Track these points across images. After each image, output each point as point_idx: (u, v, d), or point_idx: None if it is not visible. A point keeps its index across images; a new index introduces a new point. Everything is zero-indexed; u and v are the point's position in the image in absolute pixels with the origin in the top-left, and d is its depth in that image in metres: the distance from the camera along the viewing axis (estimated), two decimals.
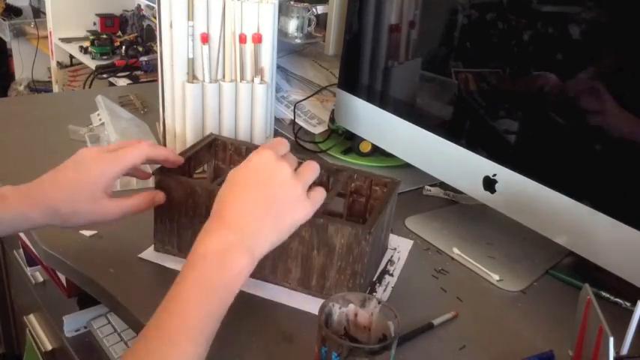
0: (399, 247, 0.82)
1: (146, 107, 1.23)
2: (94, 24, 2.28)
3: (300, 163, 0.63)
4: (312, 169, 0.62)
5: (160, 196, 0.69)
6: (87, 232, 0.77)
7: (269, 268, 0.70)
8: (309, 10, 1.12)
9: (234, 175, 0.59)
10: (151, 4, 2.01)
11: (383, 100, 0.93)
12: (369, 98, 0.95)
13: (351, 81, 0.98)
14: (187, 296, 0.51)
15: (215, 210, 0.57)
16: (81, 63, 2.19)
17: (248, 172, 0.59)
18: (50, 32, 2.34)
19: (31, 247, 0.80)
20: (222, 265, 0.53)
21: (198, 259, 0.53)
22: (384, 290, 0.72)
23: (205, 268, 0.52)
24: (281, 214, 0.58)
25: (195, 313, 0.50)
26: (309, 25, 1.13)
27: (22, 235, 0.84)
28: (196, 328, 0.50)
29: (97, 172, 0.64)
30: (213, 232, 0.55)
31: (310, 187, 0.61)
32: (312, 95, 1.17)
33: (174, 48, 0.88)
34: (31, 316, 1.20)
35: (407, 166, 0.94)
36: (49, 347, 1.04)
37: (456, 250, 0.81)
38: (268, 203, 0.57)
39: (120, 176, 0.67)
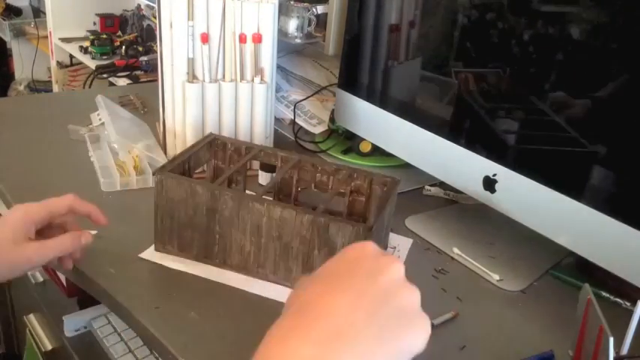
0: (399, 246, 0.82)
1: (146, 107, 1.23)
2: (94, 24, 2.27)
3: None
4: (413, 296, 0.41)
5: (87, 236, 0.66)
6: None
7: (270, 267, 0.70)
8: (309, 10, 1.12)
9: (325, 266, 0.41)
10: (151, 3, 2.01)
11: (383, 100, 0.93)
12: (369, 98, 0.95)
13: (351, 81, 0.98)
14: None
15: (291, 306, 0.38)
16: (81, 63, 2.19)
17: (346, 261, 0.41)
18: (50, 32, 2.34)
19: None
20: None
21: None
22: None
23: None
24: (393, 325, 0.37)
25: None
26: (309, 24, 1.13)
27: None
28: None
29: (17, 215, 0.62)
30: (286, 342, 0.35)
31: None
32: (312, 95, 1.17)
33: (174, 48, 0.88)
34: (31, 316, 1.20)
35: (407, 166, 0.94)
36: (49, 347, 1.04)
37: (456, 250, 0.81)
38: (378, 303, 0.37)
39: (42, 222, 0.65)
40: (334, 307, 0.36)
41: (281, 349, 0.35)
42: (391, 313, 0.38)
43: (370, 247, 0.42)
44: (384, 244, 0.78)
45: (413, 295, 0.40)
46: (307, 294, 0.38)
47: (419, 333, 0.39)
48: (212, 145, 0.82)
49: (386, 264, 0.40)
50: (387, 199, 0.71)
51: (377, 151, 1.06)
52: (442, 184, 0.97)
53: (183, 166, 0.74)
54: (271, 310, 0.66)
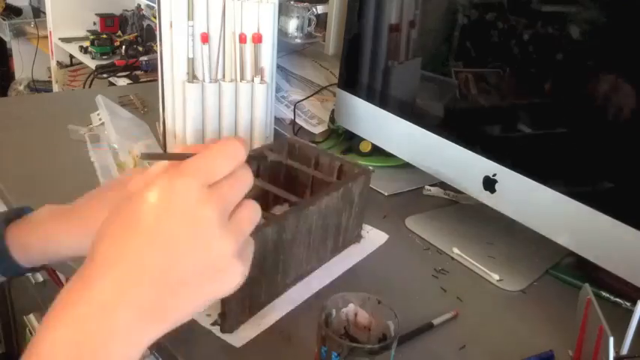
0: (369, 237, 0.82)
1: (146, 107, 1.23)
2: (94, 24, 2.28)
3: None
4: (251, 218, 0.40)
5: None
6: None
7: (315, 258, 0.72)
8: (309, 10, 1.12)
9: (133, 204, 0.36)
10: (151, 3, 2.01)
11: (383, 100, 0.93)
12: (369, 98, 0.95)
13: (351, 81, 0.97)
14: None
15: (87, 261, 0.36)
16: (81, 63, 2.19)
17: (150, 208, 0.36)
18: (50, 32, 2.34)
19: None
20: (103, 323, 0.34)
21: (55, 316, 0.35)
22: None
23: (68, 328, 0.34)
24: (191, 291, 0.36)
25: None
26: (309, 24, 1.13)
27: None
28: None
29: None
30: (68, 311, 0.34)
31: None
32: (312, 95, 1.17)
33: (174, 48, 0.88)
34: (31, 316, 1.20)
35: (407, 166, 0.94)
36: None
37: (456, 250, 0.81)
38: (167, 277, 0.35)
39: None
40: (133, 271, 0.35)
41: (72, 311, 0.34)
42: (194, 275, 0.36)
43: (184, 191, 0.36)
44: (347, 233, 0.79)
45: (224, 248, 0.37)
46: (106, 242, 0.36)
47: (229, 278, 0.37)
48: None
49: (196, 219, 0.35)
50: (345, 183, 0.72)
51: (377, 151, 1.06)
52: (442, 184, 0.97)
53: None
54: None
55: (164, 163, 0.39)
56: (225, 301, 0.60)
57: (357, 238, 0.81)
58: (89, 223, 0.52)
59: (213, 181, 0.37)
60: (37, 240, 0.54)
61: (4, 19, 2.81)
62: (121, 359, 0.34)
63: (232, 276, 0.38)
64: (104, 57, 2.07)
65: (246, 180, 0.39)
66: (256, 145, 0.96)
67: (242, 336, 0.62)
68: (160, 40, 0.90)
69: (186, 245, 0.36)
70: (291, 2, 1.11)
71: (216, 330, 0.62)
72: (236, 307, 0.61)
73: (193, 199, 0.36)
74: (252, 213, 0.40)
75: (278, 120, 1.18)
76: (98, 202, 0.54)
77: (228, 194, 0.38)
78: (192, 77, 0.90)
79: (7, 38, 2.83)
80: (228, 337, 0.61)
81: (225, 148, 0.38)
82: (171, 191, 0.36)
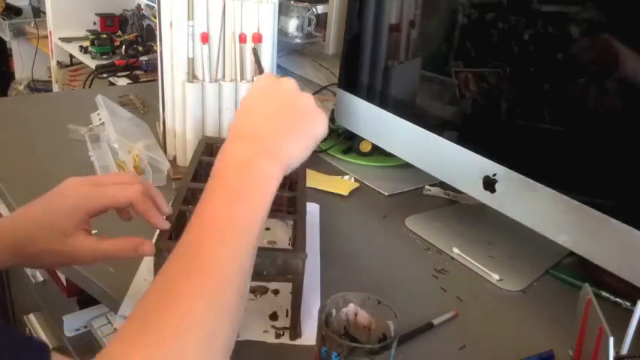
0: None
1: (146, 107, 1.23)
2: (94, 23, 2.27)
3: None
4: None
5: (148, 248, 0.57)
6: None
7: None
8: (309, 10, 1.12)
9: (244, 99, 0.57)
10: (151, 3, 2.01)
11: (383, 100, 0.93)
12: (369, 98, 0.94)
13: (351, 80, 0.97)
14: (215, 205, 0.47)
15: (230, 130, 0.54)
16: (81, 62, 2.18)
17: (257, 91, 0.57)
18: (50, 32, 2.34)
19: None
20: (247, 173, 0.50)
21: (219, 172, 0.50)
22: None
23: (228, 177, 0.50)
24: (301, 124, 0.55)
25: (227, 218, 0.47)
26: (309, 24, 1.13)
27: None
28: (232, 232, 0.46)
29: (70, 204, 0.55)
30: (230, 146, 0.52)
31: None
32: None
33: (174, 47, 0.88)
34: (31, 316, 1.20)
35: (407, 166, 0.94)
36: (49, 346, 1.04)
37: (455, 250, 0.81)
38: (282, 111, 0.55)
39: (97, 214, 0.57)
40: (261, 122, 0.54)
41: (233, 151, 0.52)
42: (299, 116, 0.56)
43: (268, 76, 0.59)
44: None
45: (307, 99, 0.57)
46: (238, 120, 0.55)
47: (320, 124, 0.57)
48: (209, 147, 0.81)
49: (283, 83, 0.57)
50: None
51: (377, 151, 1.07)
52: (442, 184, 0.97)
53: (195, 174, 0.71)
54: None
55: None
56: None
57: None
58: (17, 236, 0.54)
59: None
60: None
61: (4, 19, 2.81)
62: (271, 167, 0.51)
63: (321, 120, 0.58)
64: (104, 57, 2.06)
65: None
66: None
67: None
68: (160, 39, 0.90)
69: (290, 104, 0.56)
70: (291, 2, 1.11)
71: None
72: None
73: (277, 77, 0.59)
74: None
75: None
76: (35, 213, 0.56)
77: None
78: (192, 77, 0.90)
79: (7, 38, 2.83)
80: None
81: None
82: (263, 79, 0.59)
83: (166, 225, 0.58)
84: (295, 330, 0.62)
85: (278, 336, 0.63)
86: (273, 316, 0.65)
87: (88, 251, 0.56)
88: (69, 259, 0.56)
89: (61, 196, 0.56)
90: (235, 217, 0.47)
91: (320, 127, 0.57)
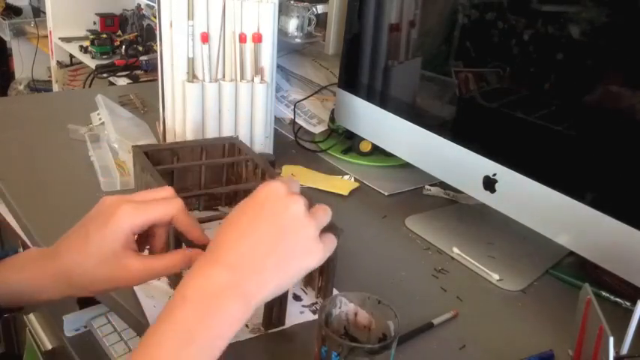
0: None
1: (146, 107, 1.23)
2: (94, 23, 2.27)
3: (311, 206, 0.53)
4: (325, 212, 0.53)
5: (198, 254, 0.53)
6: None
7: None
8: (309, 10, 1.12)
9: (238, 208, 0.50)
10: (151, 3, 2.01)
11: (383, 100, 0.93)
12: (369, 98, 0.94)
13: (351, 80, 0.97)
14: (161, 351, 0.43)
15: (210, 246, 0.48)
16: (81, 62, 2.18)
17: (255, 204, 0.50)
18: (50, 31, 2.34)
19: (31, 246, 0.80)
20: (208, 314, 0.44)
21: (178, 303, 0.44)
22: None
23: (186, 315, 0.44)
24: (289, 255, 0.48)
25: None
26: (309, 24, 1.13)
27: (22, 234, 0.84)
28: None
29: (122, 225, 0.51)
30: (202, 270, 0.46)
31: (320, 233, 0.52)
32: (312, 95, 1.17)
33: (174, 47, 0.88)
34: (31, 315, 1.19)
35: (407, 166, 0.94)
36: (49, 346, 1.04)
37: (455, 250, 0.81)
38: (276, 240, 0.48)
39: (142, 229, 0.53)
40: (243, 247, 0.47)
41: (203, 277, 0.46)
42: (289, 246, 0.49)
43: (276, 187, 0.51)
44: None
45: (310, 228, 0.50)
46: (221, 236, 0.49)
47: (313, 258, 0.50)
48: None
49: (288, 203, 0.49)
50: None
51: (377, 151, 1.06)
52: (442, 184, 0.97)
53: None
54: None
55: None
56: None
57: None
58: (64, 266, 0.52)
59: (292, 190, 0.51)
60: (16, 283, 0.54)
61: (4, 19, 2.81)
62: (237, 308, 0.45)
63: (315, 253, 0.50)
64: (104, 56, 2.07)
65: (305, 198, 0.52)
66: (257, 147, 0.96)
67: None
68: (160, 39, 0.90)
69: (289, 232, 0.49)
70: (291, 2, 1.11)
71: None
72: None
73: (285, 193, 0.50)
74: (326, 210, 0.53)
75: (278, 120, 1.18)
76: (77, 239, 0.53)
77: (304, 198, 0.51)
78: (192, 77, 0.90)
79: (7, 38, 2.83)
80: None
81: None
82: (268, 189, 0.50)
83: (207, 239, 0.54)
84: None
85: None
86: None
87: (140, 272, 0.52)
88: (122, 282, 0.53)
89: (103, 217, 0.52)
90: None
91: (314, 261, 0.50)
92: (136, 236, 0.53)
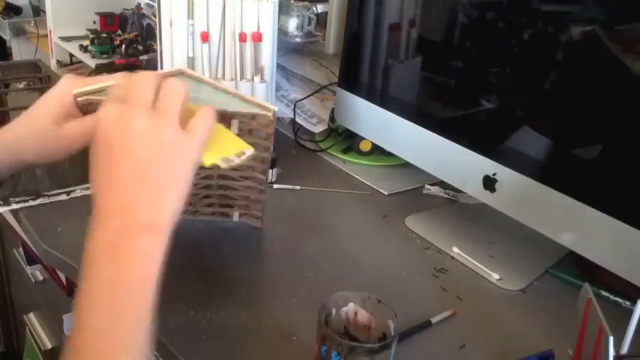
0: None
1: None
2: (94, 22, 2.27)
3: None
4: (173, 93, 0.48)
5: None
6: None
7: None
8: (309, 9, 1.12)
9: (94, 147, 0.47)
10: (151, 2, 2.01)
11: (383, 99, 0.93)
12: (369, 97, 0.94)
13: (351, 80, 0.97)
14: (94, 319, 0.42)
15: (93, 198, 0.46)
16: (81, 62, 2.18)
17: (101, 140, 0.46)
18: (50, 31, 2.34)
19: (31, 245, 0.80)
20: (120, 258, 0.43)
21: (90, 266, 0.43)
22: None
23: (101, 275, 0.43)
24: (162, 173, 0.46)
25: (114, 327, 0.41)
26: (309, 23, 1.13)
27: (22, 233, 0.84)
28: (123, 343, 0.41)
29: (56, 91, 0.55)
30: (94, 227, 0.45)
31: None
32: (312, 94, 1.17)
33: (174, 47, 0.88)
34: (31, 315, 1.20)
35: (407, 165, 0.94)
36: (49, 346, 1.04)
37: (455, 249, 0.81)
38: (140, 170, 0.45)
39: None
40: (117, 190, 0.45)
41: (99, 233, 0.44)
42: (155, 166, 0.45)
43: (109, 113, 0.46)
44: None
45: (159, 135, 0.46)
46: (95, 185, 0.46)
47: (186, 158, 0.47)
48: None
49: (125, 125, 0.45)
50: None
51: (377, 150, 1.06)
52: (442, 183, 0.97)
53: None
54: (270, 309, 0.67)
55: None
56: None
57: None
58: (14, 138, 0.56)
59: (131, 96, 0.47)
60: None
61: (3, 18, 2.81)
62: (147, 241, 0.44)
63: (185, 153, 0.47)
64: (104, 56, 2.06)
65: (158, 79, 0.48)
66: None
67: None
68: (160, 38, 0.90)
69: (141, 149, 0.45)
70: (291, 1, 1.11)
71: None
72: None
73: (118, 114, 0.46)
74: (173, 89, 0.48)
75: (278, 119, 1.18)
76: (25, 115, 0.57)
77: (146, 89, 0.47)
78: None
79: (6, 37, 2.83)
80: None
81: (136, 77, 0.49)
82: (104, 118, 0.46)
83: None
84: None
85: None
86: None
87: (81, 130, 0.55)
88: (67, 146, 0.56)
89: (49, 91, 0.56)
90: (120, 327, 0.42)
91: (187, 159, 0.47)
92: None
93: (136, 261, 0.43)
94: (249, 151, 0.54)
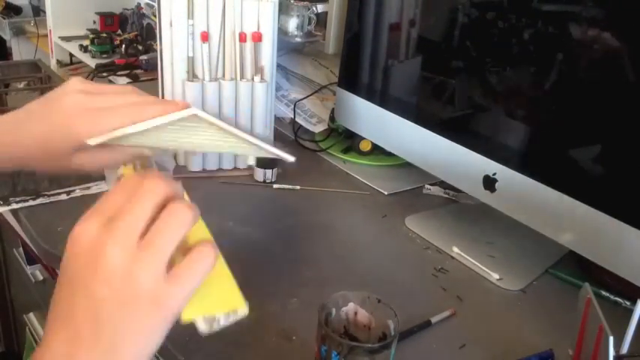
0: None
1: None
2: (94, 22, 2.27)
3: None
4: (175, 225, 0.38)
5: (147, 153, 0.54)
6: None
7: None
8: (309, 9, 1.12)
9: (62, 266, 0.39)
10: (151, 2, 2.01)
11: (383, 99, 0.93)
12: (369, 97, 0.94)
13: (351, 79, 0.97)
14: None
15: (45, 326, 0.40)
16: (81, 61, 2.18)
17: (65, 267, 0.38)
18: (50, 31, 2.34)
19: (31, 245, 0.80)
20: None
21: None
22: None
23: None
24: (123, 328, 0.36)
25: None
26: (309, 23, 1.13)
27: (22, 233, 0.84)
28: None
29: (68, 130, 0.50)
30: (45, 337, 0.39)
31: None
32: (312, 94, 1.17)
33: (174, 46, 0.88)
34: (31, 315, 1.20)
35: (407, 165, 0.94)
36: None
37: (455, 249, 0.81)
38: (97, 320, 0.36)
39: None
40: (71, 318, 0.37)
41: (43, 345, 0.38)
42: (118, 315, 0.36)
43: (83, 235, 0.37)
44: None
45: (141, 281, 0.36)
46: (53, 314, 0.40)
47: (163, 309, 0.37)
48: None
49: (96, 264, 0.36)
50: None
51: (377, 150, 1.06)
52: (442, 183, 0.97)
53: None
54: (270, 309, 0.67)
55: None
56: None
57: None
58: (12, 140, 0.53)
59: (112, 216, 0.37)
60: None
61: (3, 18, 2.81)
62: None
63: (167, 302, 0.37)
64: (104, 56, 2.06)
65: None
66: None
67: None
68: (160, 38, 0.90)
69: (100, 293, 0.36)
70: (291, 1, 1.11)
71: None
72: None
73: (92, 239, 0.36)
74: (174, 219, 0.38)
75: (278, 119, 1.18)
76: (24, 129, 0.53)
77: (123, 226, 0.37)
78: (192, 76, 0.90)
79: (6, 37, 2.83)
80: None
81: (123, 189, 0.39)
82: (73, 241, 0.37)
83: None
84: None
85: None
86: None
87: (95, 164, 0.53)
88: (76, 170, 0.53)
89: (59, 113, 0.51)
90: None
91: (166, 315, 0.38)
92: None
93: None
94: (243, 311, 0.43)
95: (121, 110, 0.50)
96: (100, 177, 0.71)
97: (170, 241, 0.37)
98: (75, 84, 0.52)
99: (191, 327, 0.62)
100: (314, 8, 1.12)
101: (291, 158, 0.55)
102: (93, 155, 0.52)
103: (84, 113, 0.50)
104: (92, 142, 0.50)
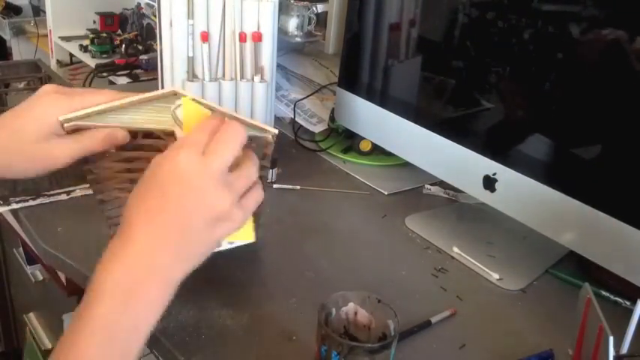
0: None
1: None
2: (94, 22, 2.27)
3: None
4: (247, 177, 0.50)
5: (121, 134, 0.55)
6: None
7: None
8: (309, 9, 1.12)
9: (142, 183, 0.47)
10: (151, 2, 2.01)
11: (383, 99, 0.93)
12: (369, 97, 0.94)
13: (351, 79, 0.97)
14: (82, 351, 0.41)
15: (124, 223, 0.46)
16: (81, 61, 2.18)
17: (157, 181, 0.47)
18: (50, 31, 2.34)
19: (31, 245, 0.80)
20: (128, 307, 0.43)
21: (95, 299, 0.43)
22: None
23: (105, 312, 0.42)
24: (203, 229, 0.46)
25: None
26: (310, 23, 1.13)
27: (22, 233, 0.84)
28: None
29: (40, 112, 0.54)
30: (116, 259, 0.44)
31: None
32: (312, 94, 1.17)
33: (174, 46, 0.88)
34: (31, 315, 1.20)
35: (407, 165, 0.94)
36: (49, 345, 1.04)
37: (455, 249, 0.81)
38: (188, 218, 0.46)
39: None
40: (154, 239, 0.45)
41: (119, 269, 0.44)
42: (200, 222, 0.46)
43: (184, 158, 0.46)
44: None
45: (221, 203, 0.46)
46: (132, 216, 0.46)
47: (225, 229, 0.48)
48: None
49: (190, 186, 0.45)
50: None
51: (377, 150, 1.07)
52: (442, 183, 0.97)
53: None
54: (270, 309, 0.67)
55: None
56: None
57: None
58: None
59: (205, 149, 0.47)
60: None
61: (3, 18, 2.81)
62: (159, 293, 0.45)
63: (232, 222, 0.48)
64: (104, 56, 2.06)
65: (233, 139, 0.49)
66: None
67: None
68: (160, 38, 0.90)
69: (192, 205, 0.46)
70: (292, 1, 1.11)
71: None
72: None
73: (194, 162, 0.46)
74: (247, 174, 0.50)
75: (278, 119, 1.18)
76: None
77: (219, 160, 0.47)
78: (192, 76, 0.89)
79: (6, 37, 2.83)
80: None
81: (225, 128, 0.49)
82: (176, 163, 0.46)
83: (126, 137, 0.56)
84: None
85: None
86: None
87: (65, 152, 0.54)
88: (44, 163, 0.55)
89: (31, 103, 0.56)
90: None
91: (231, 228, 0.49)
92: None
93: (140, 312, 0.44)
94: (246, 241, 0.54)
95: (96, 92, 0.55)
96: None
97: (243, 184, 0.50)
98: (48, 87, 0.56)
99: (191, 327, 0.62)
100: (314, 8, 1.12)
101: (274, 130, 0.58)
102: (65, 143, 0.54)
103: (58, 99, 0.54)
104: (63, 118, 0.52)
